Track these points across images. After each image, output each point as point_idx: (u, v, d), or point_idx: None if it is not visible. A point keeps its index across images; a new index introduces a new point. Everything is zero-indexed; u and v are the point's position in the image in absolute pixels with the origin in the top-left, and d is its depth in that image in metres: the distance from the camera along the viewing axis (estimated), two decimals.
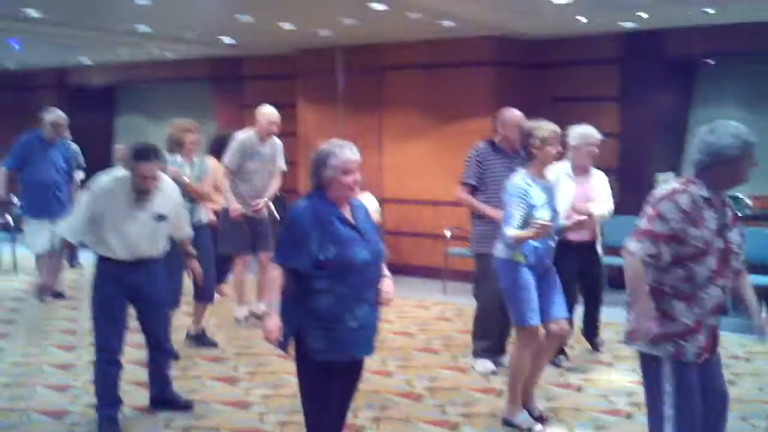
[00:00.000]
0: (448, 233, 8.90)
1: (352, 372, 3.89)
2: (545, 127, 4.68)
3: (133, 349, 6.34)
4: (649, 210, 3.31)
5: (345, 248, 3.61)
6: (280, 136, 7.25)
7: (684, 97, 9.47)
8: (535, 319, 4.62)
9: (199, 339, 6.52)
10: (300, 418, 4.83)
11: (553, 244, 4.78)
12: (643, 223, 3.31)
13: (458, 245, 8.96)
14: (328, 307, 3.61)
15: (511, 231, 4.52)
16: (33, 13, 7.93)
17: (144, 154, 4.53)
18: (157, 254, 4.79)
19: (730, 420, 4.86)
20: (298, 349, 3.72)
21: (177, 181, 5.46)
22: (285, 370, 5.88)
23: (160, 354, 5.00)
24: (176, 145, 6.12)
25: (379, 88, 9.89)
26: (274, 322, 3.61)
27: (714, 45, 8.55)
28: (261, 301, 7.39)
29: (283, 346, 3.72)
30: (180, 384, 5.53)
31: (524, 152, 4.75)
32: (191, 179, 6.08)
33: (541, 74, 9.49)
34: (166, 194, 4.76)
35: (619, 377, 5.79)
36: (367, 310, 3.69)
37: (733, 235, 3.36)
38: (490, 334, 5.91)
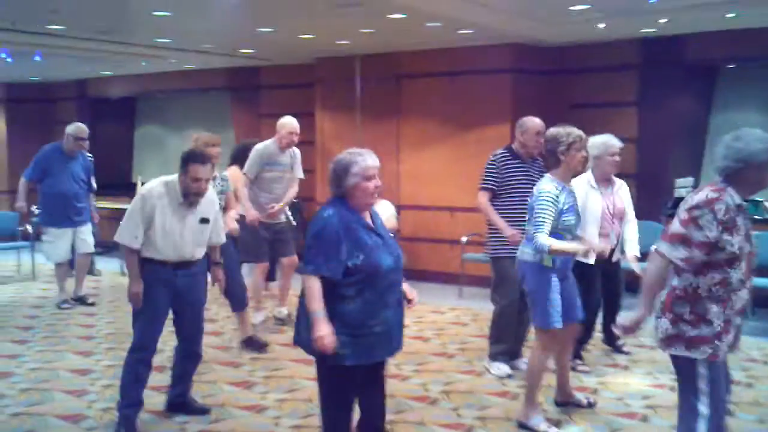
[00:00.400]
0: (464, 239, 8.89)
1: (375, 375, 3.92)
2: (572, 132, 4.72)
3: None
4: (683, 215, 3.37)
5: (371, 255, 3.67)
6: (298, 144, 7.30)
7: (703, 102, 9.40)
8: (559, 323, 4.65)
9: (250, 343, 6.60)
10: (314, 421, 4.87)
11: None
12: (676, 226, 3.38)
13: (474, 251, 8.95)
14: (354, 312, 3.66)
15: (544, 238, 4.52)
16: (56, 27, 8.04)
17: (197, 157, 4.72)
18: (199, 257, 4.91)
19: (747, 422, 4.83)
20: (321, 354, 3.71)
21: None
22: (300, 374, 5.89)
23: (189, 357, 5.03)
24: None
25: (397, 96, 9.90)
26: (326, 327, 3.60)
27: (733, 50, 8.49)
28: (283, 305, 7.43)
29: (322, 352, 3.68)
30: (195, 388, 5.54)
31: (551, 158, 4.77)
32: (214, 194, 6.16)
33: (559, 81, 9.47)
34: (208, 199, 4.91)
35: (635, 380, 5.74)
36: (391, 313, 3.75)
37: (752, 239, 3.47)
38: (506, 338, 5.90)
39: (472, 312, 8.05)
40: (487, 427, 4.81)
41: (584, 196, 5.62)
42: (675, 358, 3.50)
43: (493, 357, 5.92)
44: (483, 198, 5.83)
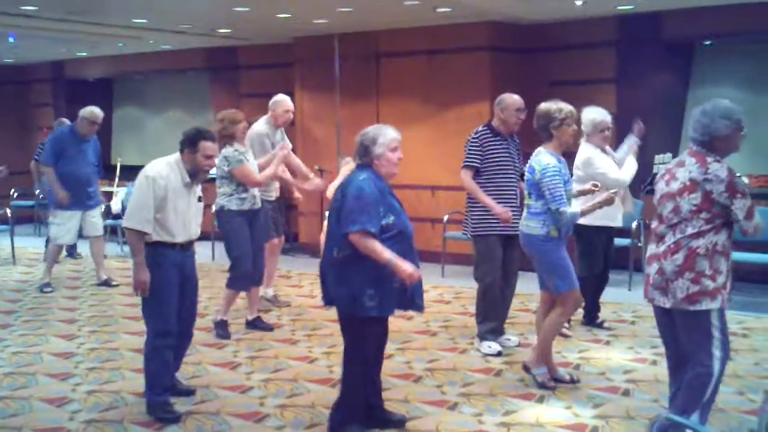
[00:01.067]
0: (446, 217, 8.93)
1: (384, 328, 4.37)
2: (563, 108, 4.91)
3: (132, 336, 6.40)
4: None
5: (399, 217, 4.13)
6: None
7: (681, 79, 9.46)
8: (577, 284, 4.98)
9: (257, 324, 6.61)
10: (299, 401, 4.91)
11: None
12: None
13: (456, 229, 8.99)
14: (380, 267, 4.02)
15: (572, 208, 4.84)
16: (30, 7, 7.93)
17: (206, 134, 4.72)
18: (197, 235, 4.92)
19: (728, 395, 4.92)
20: (352, 310, 4.11)
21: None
22: (284, 354, 5.92)
23: (184, 336, 4.98)
24: (229, 138, 6.17)
25: (376, 75, 9.88)
26: (408, 265, 4.02)
27: (711, 26, 8.53)
28: (269, 286, 7.41)
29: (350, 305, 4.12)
30: (181, 370, 5.55)
31: (543, 132, 4.94)
32: (253, 164, 6.28)
33: (538, 58, 9.48)
34: None
35: (617, 355, 5.81)
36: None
37: None
38: (493, 316, 5.94)
39: (454, 290, 8.11)
40: (471, 403, 4.86)
41: (601, 160, 6.01)
42: (694, 314, 3.80)
43: (482, 336, 5.96)
44: (467, 176, 5.85)
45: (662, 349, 5.87)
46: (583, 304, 5.99)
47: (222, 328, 6.37)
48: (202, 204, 4.93)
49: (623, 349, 5.98)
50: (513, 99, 5.86)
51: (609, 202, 4.95)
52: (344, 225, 4.04)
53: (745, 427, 4.44)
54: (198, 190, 4.87)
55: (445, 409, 4.79)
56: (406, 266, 4.00)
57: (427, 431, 4.45)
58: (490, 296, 5.89)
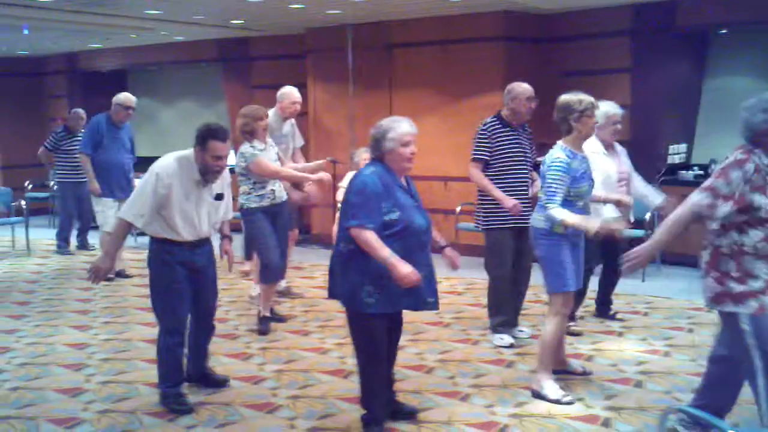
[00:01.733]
0: (458, 209, 8.91)
1: (395, 323, 4.35)
2: (584, 99, 4.73)
3: (145, 327, 6.43)
4: (717, 171, 3.67)
5: (406, 213, 4.04)
6: None
7: (696, 68, 9.37)
8: (572, 286, 4.73)
9: (271, 319, 6.54)
10: (312, 392, 4.92)
11: (588, 214, 4.84)
12: (709, 182, 3.66)
13: (468, 221, 8.97)
14: (382, 265, 3.93)
15: (557, 211, 4.57)
16: None
17: (217, 132, 4.52)
18: (212, 233, 4.83)
19: (682, 362, 4.89)
20: (352, 305, 4.10)
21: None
22: (297, 345, 5.94)
23: (204, 330, 4.99)
24: (249, 135, 6.15)
25: (389, 66, 9.85)
26: (406, 266, 3.90)
27: (726, 15, 8.44)
28: (282, 278, 7.33)
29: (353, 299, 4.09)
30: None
31: (563, 125, 4.76)
32: (272, 161, 6.23)
33: (551, 48, 9.43)
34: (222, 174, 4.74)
35: (629, 347, 5.79)
36: (418, 270, 3.97)
37: None
38: (504, 309, 5.91)
39: (466, 281, 8.10)
40: (483, 394, 4.86)
41: (597, 162, 5.61)
42: (724, 316, 3.70)
43: (494, 329, 5.93)
44: (475, 169, 5.80)
45: (675, 341, 5.91)
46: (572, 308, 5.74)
47: (263, 323, 6.32)
48: (223, 201, 4.78)
49: (636, 340, 5.96)
50: (523, 87, 5.79)
51: (592, 233, 4.60)
52: (344, 219, 4.05)
53: (758, 418, 4.40)
54: (216, 187, 4.69)
55: (457, 400, 4.79)
56: (401, 267, 3.88)
57: (439, 422, 4.45)
58: (501, 289, 5.87)
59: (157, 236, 4.58)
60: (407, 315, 4.39)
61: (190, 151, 4.59)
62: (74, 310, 7.16)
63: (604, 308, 6.50)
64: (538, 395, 4.77)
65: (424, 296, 4.12)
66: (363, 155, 8.39)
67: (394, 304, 4.10)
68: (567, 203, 4.63)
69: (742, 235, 3.60)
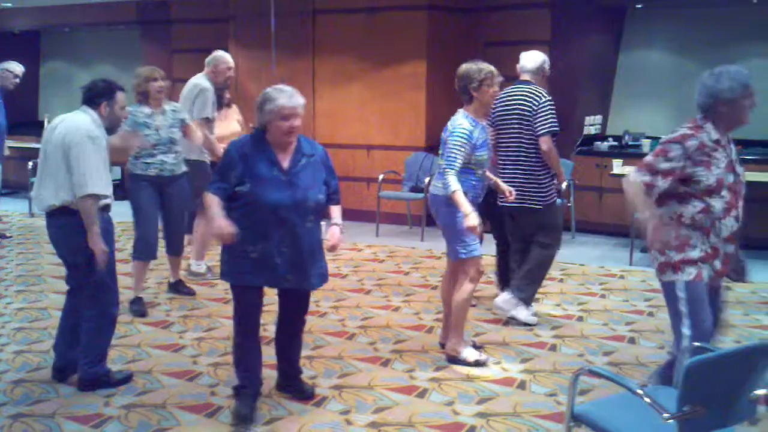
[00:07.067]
0: (380, 177, 8.96)
1: (288, 305, 4.21)
2: (483, 68, 4.71)
3: (60, 296, 6.30)
4: (657, 148, 3.62)
5: (258, 187, 3.84)
6: None
7: (612, 42, 9.60)
8: (479, 250, 4.75)
9: (177, 288, 6.46)
10: (232, 359, 4.90)
11: (485, 183, 4.88)
12: (648, 158, 3.62)
13: (391, 189, 9.05)
14: (236, 234, 3.83)
15: (454, 181, 4.52)
16: None
17: (118, 85, 4.48)
18: None
19: (648, 348, 5.12)
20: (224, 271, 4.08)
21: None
22: (217, 313, 5.91)
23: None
24: (142, 96, 5.87)
25: (312, 33, 9.78)
26: (223, 221, 3.80)
27: None
28: (200, 259, 7.08)
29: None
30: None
31: (464, 94, 4.74)
32: (164, 128, 5.83)
33: (474, 18, 9.51)
34: None
35: (544, 312, 5.95)
36: (273, 245, 3.88)
37: (740, 169, 3.70)
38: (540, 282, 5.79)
39: (388, 249, 8.18)
40: (403, 360, 4.95)
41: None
42: (664, 285, 3.71)
43: (528, 301, 5.69)
44: (552, 143, 5.49)
45: (588, 306, 6.11)
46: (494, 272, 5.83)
47: (135, 304, 5.98)
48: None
49: (551, 305, 6.14)
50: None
51: (469, 224, 4.52)
52: None
53: None
54: None
55: (378, 366, 4.86)
56: (216, 221, 3.78)
57: (359, 387, 4.52)
58: (549, 263, 5.71)
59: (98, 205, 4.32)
60: (329, 282, 4.37)
61: (88, 112, 4.39)
62: None
63: (506, 280, 6.14)
64: (455, 360, 4.86)
65: (281, 273, 3.93)
66: None
67: (243, 276, 3.96)
68: (467, 170, 4.64)
69: (681, 206, 3.59)
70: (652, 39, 9.46)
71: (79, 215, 4.27)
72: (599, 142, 9.16)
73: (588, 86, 9.29)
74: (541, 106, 5.47)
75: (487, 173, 4.96)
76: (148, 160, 5.82)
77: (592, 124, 9.32)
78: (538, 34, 9.10)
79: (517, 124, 5.53)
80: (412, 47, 9.08)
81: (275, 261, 3.91)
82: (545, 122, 5.45)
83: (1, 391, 4.46)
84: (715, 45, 8.83)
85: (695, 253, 3.59)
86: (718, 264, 3.62)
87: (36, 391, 4.48)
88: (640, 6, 9.32)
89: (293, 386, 4.40)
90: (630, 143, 9.18)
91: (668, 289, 3.68)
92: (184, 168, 6.06)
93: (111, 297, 4.51)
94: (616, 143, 9.22)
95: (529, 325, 5.58)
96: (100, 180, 4.26)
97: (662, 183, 3.55)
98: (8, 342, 5.30)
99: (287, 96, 3.89)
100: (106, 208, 4.44)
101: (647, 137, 8.99)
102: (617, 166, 8.25)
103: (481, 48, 8.84)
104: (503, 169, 5.58)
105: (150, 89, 5.82)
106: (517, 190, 5.28)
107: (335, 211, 4.22)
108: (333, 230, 4.15)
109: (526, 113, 5.49)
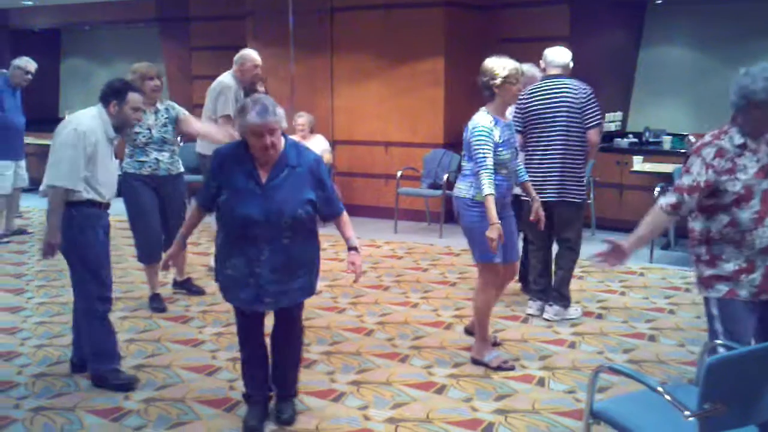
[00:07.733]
0: (399, 173, 8.96)
1: (279, 326, 3.98)
2: (507, 65, 4.54)
3: None
4: (684, 166, 3.41)
5: (234, 198, 3.60)
6: None
7: (632, 38, 9.54)
8: (499, 257, 4.62)
9: (185, 286, 6.43)
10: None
11: (514, 183, 4.80)
12: (677, 180, 3.42)
13: (409, 185, 9.04)
14: (218, 246, 3.77)
15: (489, 183, 4.39)
16: None
17: (132, 85, 4.54)
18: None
19: (668, 347, 5.09)
20: None
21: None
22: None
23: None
24: None
25: (330, 30, 9.78)
26: (177, 248, 3.91)
27: None
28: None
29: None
30: (131, 323, 5.56)
31: (486, 91, 4.58)
32: (156, 128, 5.74)
33: (492, 14, 9.48)
34: None
35: (633, 304, 6.00)
36: (242, 263, 3.63)
37: None
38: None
39: (406, 245, 8.17)
40: (422, 356, 4.94)
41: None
42: (704, 301, 3.49)
43: (570, 300, 5.74)
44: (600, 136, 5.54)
45: (607, 303, 6.08)
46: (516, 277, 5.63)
47: (154, 301, 6.00)
48: (117, 162, 4.61)
49: (638, 298, 6.19)
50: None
51: (492, 239, 4.44)
52: None
53: (684, 377, 4.58)
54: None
55: (396, 362, 4.85)
56: (176, 241, 3.84)
57: (378, 382, 4.52)
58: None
59: (78, 199, 4.32)
60: (347, 279, 4.35)
61: (98, 108, 4.43)
62: (8, 274, 7.01)
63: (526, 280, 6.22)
64: (479, 363, 4.80)
65: (256, 294, 3.67)
66: (298, 120, 8.37)
67: (225, 293, 3.81)
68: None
69: (709, 221, 3.35)
70: (672, 35, 9.39)
71: (72, 208, 4.29)
72: (619, 139, 9.11)
73: (608, 82, 9.23)
74: (588, 98, 5.44)
75: (528, 187, 4.94)
76: (142, 159, 5.72)
77: (612, 121, 9.26)
78: (557, 30, 9.04)
79: (565, 117, 5.41)
80: (430, 44, 9.06)
81: (248, 281, 3.65)
82: (595, 114, 5.44)
83: (22, 385, 4.50)
84: (736, 41, 8.76)
85: (728, 268, 3.34)
86: (757, 278, 3.32)
87: (57, 384, 4.52)
88: (660, 1, 9.25)
89: (278, 408, 4.07)
90: (651, 140, 9.12)
91: (705, 306, 3.48)
92: (181, 168, 5.97)
93: (93, 291, 4.40)
94: (636, 140, 9.17)
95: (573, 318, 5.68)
96: (72, 174, 4.22)
97: (689, 199, 3.32)
98: (30, 336, 5.34)
99: (257, 112, 3.46)
100: (102, 205, 4.42)
101: (668, 134, 8.93)
102: (637, 163, 8.19)
103: (499, 44, 8.80)
104: (539, 164, 5.45)
105: (145, 88, 5.63)
106: (557, 185, 5.32)
107: (344, 227, 3.84)
108: (352, 258, 3.77)
109: (573, 107, 5.41)
